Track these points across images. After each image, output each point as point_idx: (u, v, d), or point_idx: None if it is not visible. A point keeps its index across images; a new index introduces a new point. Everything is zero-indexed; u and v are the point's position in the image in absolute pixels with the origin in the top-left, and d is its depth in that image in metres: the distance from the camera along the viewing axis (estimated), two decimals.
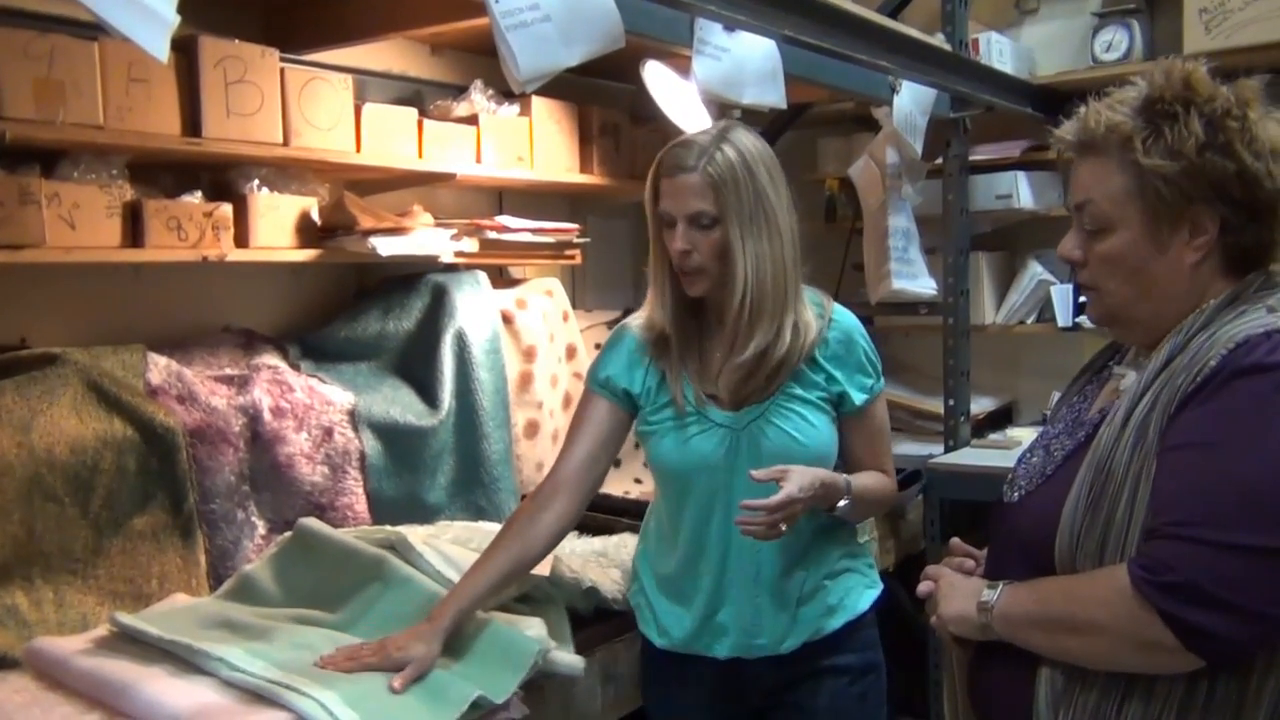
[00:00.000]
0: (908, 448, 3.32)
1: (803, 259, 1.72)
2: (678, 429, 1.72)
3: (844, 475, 1.71)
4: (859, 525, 1.84)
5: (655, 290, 1.74)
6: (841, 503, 1.68)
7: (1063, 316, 3.22)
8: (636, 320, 1.79)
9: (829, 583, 1.76)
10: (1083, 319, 3.12)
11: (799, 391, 1.71)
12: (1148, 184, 1.24)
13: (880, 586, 1.85)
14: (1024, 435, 3.06)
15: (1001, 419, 3.51)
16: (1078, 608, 1.21)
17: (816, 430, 1.71)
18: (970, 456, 3.07)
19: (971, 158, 3.21)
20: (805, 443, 1.70)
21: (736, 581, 1.72)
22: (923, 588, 1.41)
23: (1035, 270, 3.30)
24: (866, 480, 1.76)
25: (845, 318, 1.78)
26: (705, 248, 1.65)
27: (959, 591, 1.35)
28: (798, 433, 1.70)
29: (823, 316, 1.74)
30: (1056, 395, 1.53)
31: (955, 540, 1.50)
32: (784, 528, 1.57)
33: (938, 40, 2.89)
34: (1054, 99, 3.16)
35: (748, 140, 1.68)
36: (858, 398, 1.74)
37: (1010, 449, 3.00)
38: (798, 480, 1.57)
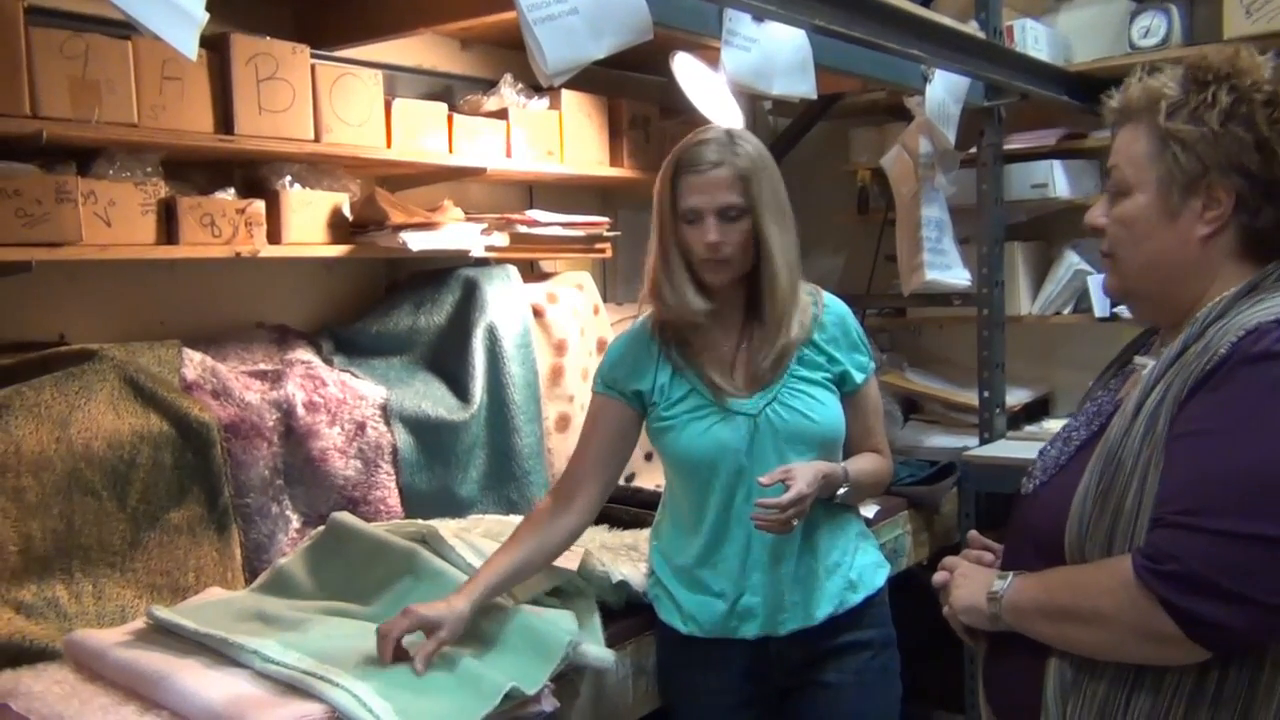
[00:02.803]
0: (942, 440, 3.29)
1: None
2: (697, 419, 1.78)
3: (841, 464, 1.80)
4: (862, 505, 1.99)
5: (672, 288, 1.78)
6: (841, 490, 1.78)
7: (1100, 307, 3.17)
8: (642, 321, 1.86)
9: (848, 558, 1.84)
10: (1121, 309, 3.07)
11: (805, 373, 1.80)
12: (1166, 148, 1.25)
13: (889, 565, 1.94)
14: (1060, 427, 3.02)
15: (1038, 411, 3.47)
16: (1083, 597, 1.21)
17: (826, 408, 1.80)
18: (1005, 449, 3.04)
19: (1006, 146, 3.17)
20: (818, 420, 1.78)
21: (761, 563, 1.76)
22: (937, 577, 1.42)
23: (1072, 260, 3.25)
24: (862, 464, 1.86)
25: (836, 304, 1.88)
26: (734, 239, 1.73)
27: (971, 582, 1.35)
28: (810, 411, 1.78)
29: (816, 303, 1.84)
30: None
31: (973, 533, 1.51)
32: (796, 523, 1.67)
33: (971, 28, 2.85)
34: (1090, 86, 3.11)
35: (754, 139, 1.79)
36: (857, 376, 1.85)
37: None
38: (804, 477, 1.67)
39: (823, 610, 1.78)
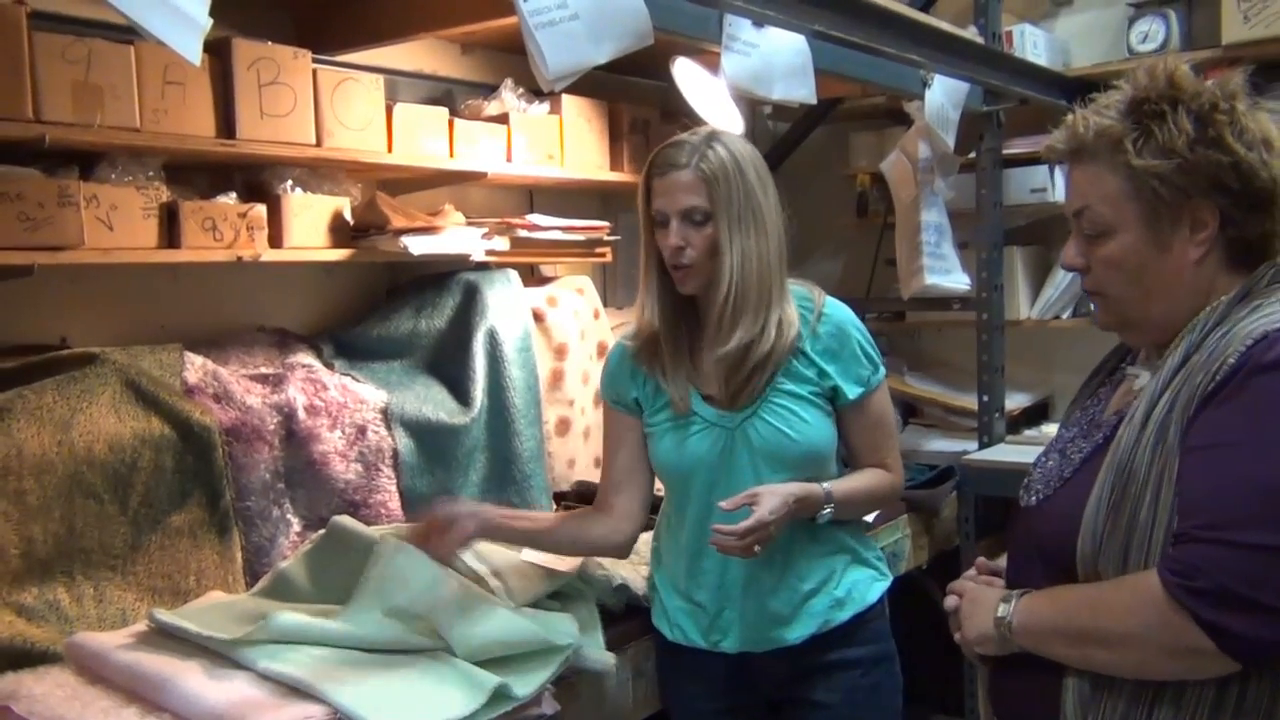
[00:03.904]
0: (941, 444, 3.30)
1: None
2: (675, 430, 1.76)
3: (824, 484, 1.72)
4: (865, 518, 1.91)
5: (645, 291, 1.77)
6: (823, 511, 1.71)
7: None
8: (627, 332, 1.84)
9: (836, 575, 1.78)
10: None
11: (791, 387, 1.73)
12: (1144, 184, 1.25)
13: (889, 578, 1.86)
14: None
15: (1037, 415, 3.48)
16: (1106, 618, 1.20)
17: (809, 425, 1.72)
18: (1005, 453, 3.04)
19: (1005, 151, 3.17)
20: (797, 438, 1.72)
21: (740, 579, 1.74)
22: (949, 602, 1.41)
23: None
24: (857, 482, 1.78)
25: (838, 310, 1.78)
26: (698, 244, 1.69)
27: (980, 608, 1.34)
28: (789, 429, 1.71)
29: (812, 311, 1.75)
30: None
31: (981, 560, 1.49)
32: (757, 549, 1.60)
33: (970, 33, 2.86)
34: (1089, 91, 3.10)
35: (736, 142, 1.72)
36: (852, 391, 1.75)
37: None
38: (768, 504, 1.60)
39: (803, 631, 1.74)
